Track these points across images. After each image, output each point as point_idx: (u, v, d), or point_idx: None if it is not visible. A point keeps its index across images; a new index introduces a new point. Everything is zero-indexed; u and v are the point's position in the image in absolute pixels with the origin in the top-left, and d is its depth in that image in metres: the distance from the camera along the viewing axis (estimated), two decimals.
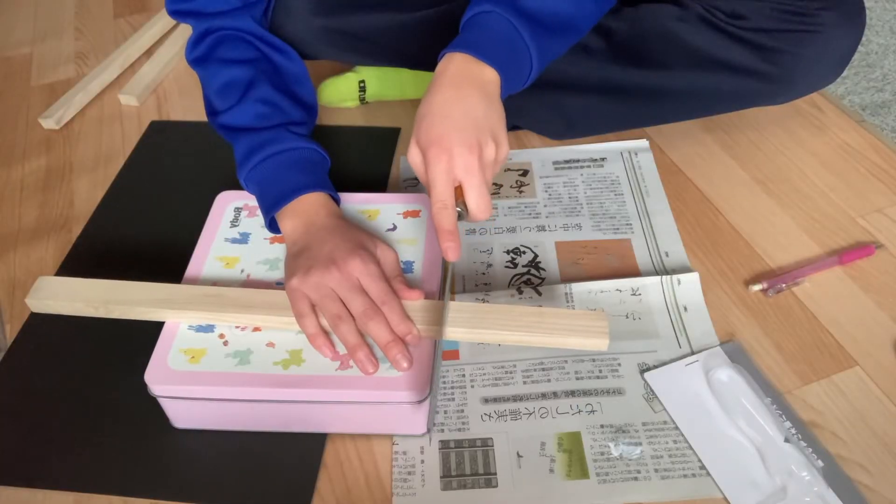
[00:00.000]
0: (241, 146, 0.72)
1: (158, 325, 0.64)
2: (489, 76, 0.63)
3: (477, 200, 0.60)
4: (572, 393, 0.67)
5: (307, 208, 0.68)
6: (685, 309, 0.73)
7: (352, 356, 0.60)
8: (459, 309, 0.63)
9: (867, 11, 0.81)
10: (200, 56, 0.77)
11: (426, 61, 0.97)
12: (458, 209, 0.60)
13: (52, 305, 0.67)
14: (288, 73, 0.79)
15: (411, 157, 0.62)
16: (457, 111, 0.61)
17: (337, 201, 0.73)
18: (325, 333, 0.62)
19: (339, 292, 0.61)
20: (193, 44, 0.77)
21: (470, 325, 0.62)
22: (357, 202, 0.76)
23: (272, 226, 0.71)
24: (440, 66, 0.64)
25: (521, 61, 0.66)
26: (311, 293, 0.61)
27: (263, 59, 0.77)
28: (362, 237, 0.67)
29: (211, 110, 0.77)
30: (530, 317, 0.62)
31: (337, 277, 0.61)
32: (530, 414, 0.65)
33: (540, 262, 0.79)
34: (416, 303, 0.63)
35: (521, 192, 0.88)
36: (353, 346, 0.60)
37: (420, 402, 0.60)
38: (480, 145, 0.60)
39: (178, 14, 0.77)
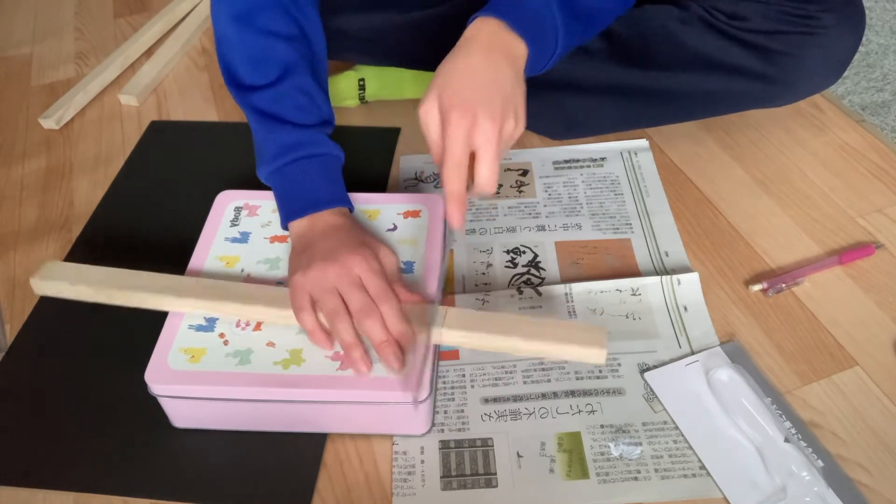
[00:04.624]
0: (274, 138, 0.70)
1: (159, 325, 0.64)
2: (519, 50, 0.62)
3: (487, 172, 0.58)
4: (572, 393, 0.67)
5: (319, 213, 0.68)
6: (685, 309, 0.73)
7: (346, 354, 0.60)
8: (457, 315, 0.63)
9: (867, 12, 0.81)
10: (240, 13, 0.70)
11: (425, 61, 0.97)
12: None
13: (55, 286, 0.66)
14: (318, 57, 0.76)
15: (426, 114, 0.59)
16: (486, 77, 0.59)
17: (350, 209, 0.73)
18: (323, 328, 0.61)
19: (338, 287, 0.61)
20: None
21: (465, 328, 0.62)
22: (357, 202, 0.76)
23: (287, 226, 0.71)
24: (471, 29, 0.62)
25: (548, 41, 0.66)
26: (310, 288, 0.61)
27: (303, 38, 0.73)
28: (365, 236, 0.67)
29: (236, 80, 0.72)
30: (528, 326, 0.62)
31: (337, 272, 0.61)
32: (530, 414, 0.65)
33: (540, 262, 0.79)
34: (414, 306, 0.63)
35: (520, 192, 0.88)
36: (349, 344, 0.60)
37: (420, 402, 0.60)
38: (503, 117, 0.58)
39: None
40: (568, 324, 0.62)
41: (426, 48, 0.94)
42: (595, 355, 0.60)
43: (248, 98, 0.71)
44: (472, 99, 0.57)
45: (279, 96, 0.70)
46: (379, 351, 0.60)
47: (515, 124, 0.59)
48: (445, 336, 0.62)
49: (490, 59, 0.60)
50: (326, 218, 0.67)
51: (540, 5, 0.64)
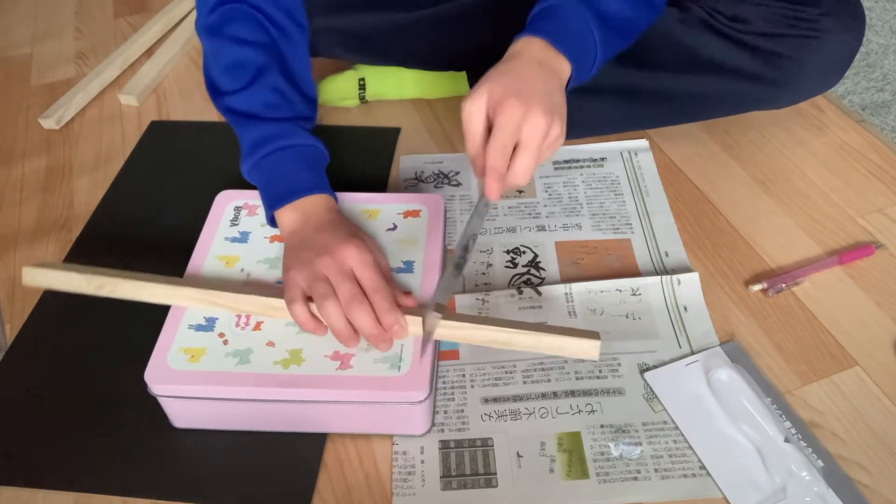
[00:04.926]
0: (248, 134, 0.72)
1: (159, 325, 0.64)
2: (564, 67, 0.64)
3: (526, 164, 0.58)
4: (572, 393, 0.67)
5: (307, 205, 0.68)
6: (685, 309, 0.73)
7: (336, 336, 0.60)
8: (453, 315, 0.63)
9: (867, 12, 0.81)
10: (212, 25, 0.74)
11: (426, 60, 0.98)
12: None
13: (46, 276, 0.66)
14: (294, 63, 0.77)
15: (472, 104, 0.59)
16: (539, 81, 0.61)
17: (334, 199, 0.73)
18: (315, 318, 0.61)
19: (329, 277, 0.61)
20: (209, 11, 0.74)
21: (461, 322, 0.62)
22: (357, 202, 0.76)
23: (273, 221, 0.71)
24: (518, 45, 0.64)
25: (588, 59, 0.67)
26: (302, 279, 0.61)
27: (273, 44, 0.75)
28: (358, 231, 0.67)
29: (215, 88, 0.75)
30: (523, 324, 0.62)
31: (328, 263, 0.61)
32: (530, 414, 0.65)
33: (540, 262, 0.79)
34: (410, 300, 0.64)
35: (520, 191, 0.88)
36: (339, 330, 0.60)
37: (421, 402, 0.60)
38: (553, 119, 0.59)
39: None
40: (561, 327, 0.62)
41: (427, 47, 0.94)
42: (589, 348, 0.60)
43: (224, 101, 0.73)
44: (528, 93, 0.58)
45: (251, 96, 0.72)
46: (368, 340, 0.60)
47: (560, 132, 0.60)
48: (440, 330, 0.62)
49: (542, 70, 0.62)
50: (317, 214, 0.67)
51: (580, 25, 0.66)
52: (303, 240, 0.66)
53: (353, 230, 0.67)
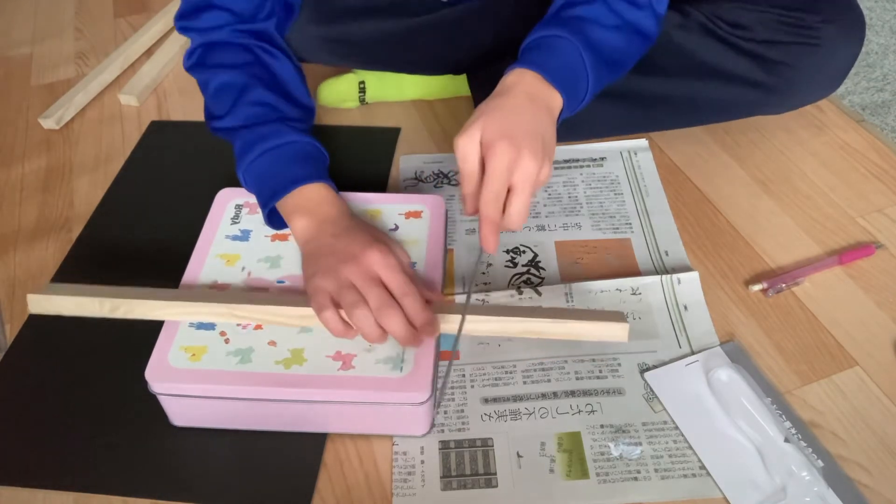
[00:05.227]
0: (238, 143, 0.72)
1: (159, 323, 0.64)
2: (556, 101, 0.64)
3: (520, 208, 0.59)
4: (572, 393, 0.67)
5: (314, 205, 0.67)
6: (685, 308, 0.73)
7: (366, 339, 0.60)
8: (477, 310, 0.64)
9: (867, 12, 0.81)
10: (194, 63, 0.77)
11: (426, 66, 0.98)
12: None
13: (53, 301, 0.64)
14: (283, 76, 0.78)
15: (466, 144, 0.60)
16: (530, 119, 0.61)
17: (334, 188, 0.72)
18: (347, 324, 0.60)
19: (356, 284, 0.60)
20: (189, 53, 0.77)
21: (490, 314, 0.63)
22: (358, 202, 0.76)
23: (271, 220, 0.71)
24: (511, 78, 0.64)
25: (579, 91, 0.68)
26: (329, 286, 0.60)
27: (257, 62, 0.76)
28: (378, 232, 0.67)
29: (209, 115, 0.77)
30: (548, 312, 0.63)
31: (354, 269, 0.60)
32: (530, 414, 0.66)
33: (540, 262, 0.79)
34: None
35: None
36: (369, 336, 0.59)
37: (422, 403, 0.60)
38: (543, 160, 0.59)
39: (184, 30, 0.77)
40: (587, 310, 0.63)
41: (424, 53, 0.94)
42: (619, 331, 0.61)
43: (213, 125, 0.75)
44: (518, 135, 0.59)
45: (236, 115, 0.73)
46: (401, 343, 0.60)
47: (548, 172, 0.61)
48: (472, 325, 0.62)
49: (533, 105, 0.62)
50: (333, 220, 0.66)
51: (573, 58, 0.66)
52: (322, 246, 0.65)
53: (373, 233, 0.66)
